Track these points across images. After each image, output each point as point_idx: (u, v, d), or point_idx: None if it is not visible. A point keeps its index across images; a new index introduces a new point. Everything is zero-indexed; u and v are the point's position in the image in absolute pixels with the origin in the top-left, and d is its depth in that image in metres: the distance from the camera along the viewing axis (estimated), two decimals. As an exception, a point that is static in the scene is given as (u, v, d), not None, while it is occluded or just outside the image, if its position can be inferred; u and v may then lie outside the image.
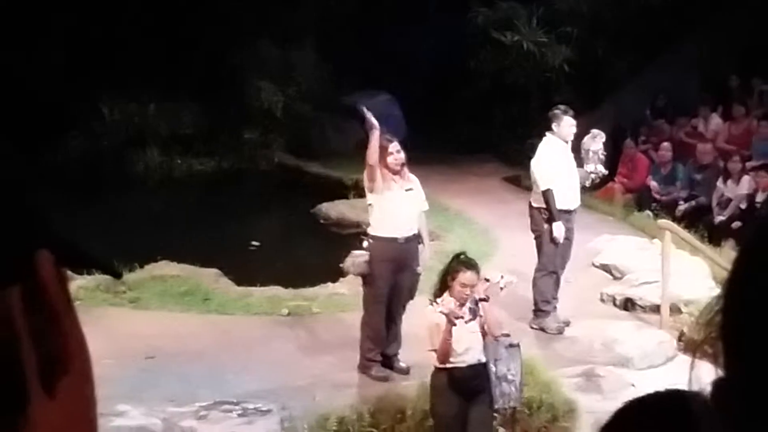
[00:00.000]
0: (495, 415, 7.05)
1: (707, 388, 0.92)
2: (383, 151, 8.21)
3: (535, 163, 9.51)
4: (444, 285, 6.65)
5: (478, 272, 6.63)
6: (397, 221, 8.22)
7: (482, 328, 6.63)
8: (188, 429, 6.94)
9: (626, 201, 14.49)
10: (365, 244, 8.36)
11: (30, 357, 0.76)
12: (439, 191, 12.87)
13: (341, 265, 8.67)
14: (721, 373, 0.91)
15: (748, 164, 13.80)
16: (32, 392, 0.77)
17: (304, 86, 18.97)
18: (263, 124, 18.64)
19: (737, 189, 13.17)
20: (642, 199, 14.37)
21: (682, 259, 10.35)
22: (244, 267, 11.49)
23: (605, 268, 11.28)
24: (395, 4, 19.92)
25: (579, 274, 10.52)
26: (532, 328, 9.42)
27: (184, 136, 18.37)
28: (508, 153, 16.91)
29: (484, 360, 6.68)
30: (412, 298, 8.46)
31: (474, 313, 6.58)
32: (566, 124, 9.45)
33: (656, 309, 9.76)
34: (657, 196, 14.28)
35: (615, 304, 10.33)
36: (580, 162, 9.88)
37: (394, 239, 8.21)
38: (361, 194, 8.78)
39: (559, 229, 9.26)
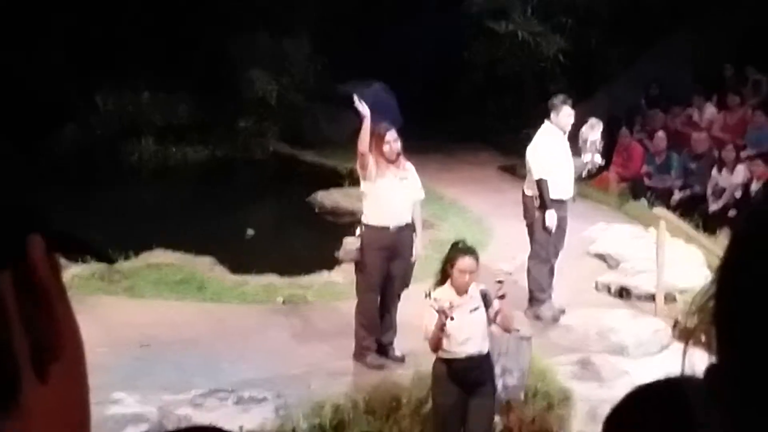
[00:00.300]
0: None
1: (701, 375, 0.92)
2: (379, 140, 8.22)
3: (531, 151, 9.50)
4: (445, 275, 6.66)
5: (476, 258, 6.64)
6: (389, 210, 8.22)
7: (493, 319, 6.64)
8: (183, 417, 6.94)
9: (621, 190, 14.50)
10: (358, 231, 8.37)
11: (22, 342, 0.76)
12: (434, 180, 12.87)
13: (336, 253, 8.68)
14: (713, 359, 0.91)
15: (743, 153, 13.81)
16: (24, 378, 0.77)
17: (298, 76, 18.94)
18: (258, 113, 18.62)
19: (732, 178, 13.18)
20: (637, 188, 14.38)
21: (677, 248, 10.37)
22: (239, 255, 11.48)
23: (600, 256, 11.29)
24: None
25: (574, 262, 10.53)
26: (527, 316, 9.43)
27: (179, 125, 18.35)
28: (503, 142, 16.90)
29: (485, 351, 6.67)
30: (406, 286, 8.47)
31: (480, 303, 6.61)
32: (564, 114, 9.44)
33: (651, 297, 9.78)
34: (650, 183, 14.30)
35: (610, 293, 10.34)
36: (577, 151, 9.87)
37: (386, 228, 8.21)
38: (355, 183, 8.79)
39: (551, 218, 9.26)
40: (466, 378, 6.61)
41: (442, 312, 6.37)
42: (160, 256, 10.88)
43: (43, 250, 0.78)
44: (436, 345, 6.55)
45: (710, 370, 0.91)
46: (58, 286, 0.81)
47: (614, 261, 11.06)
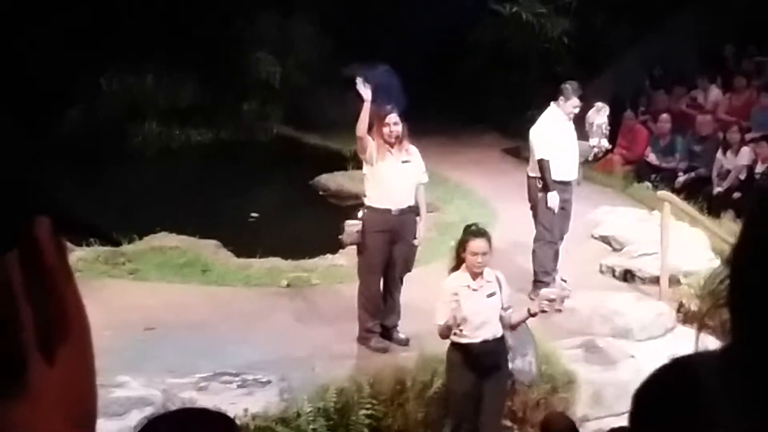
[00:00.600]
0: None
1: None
2: (380, 123, 8.21)
3: (534, 132, 9.50)
4: (459, 259, 6.66)
5: (489, 240, 6.64)
6: (390, 193, 8.20)
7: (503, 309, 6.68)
8: (188, 400, 6.95)
9: (625, 172, 14.49)
10: (360, 213, 8.36)
11: (29, 323, 0.76)
12: (439, 163, 12.85)
13: (340, 237, 8.68)
14: (725, 341, 0.91)
15: (748, 135, 13.78)
16: (31, 358, 0.76)
17: (303, 58, 18.89)
18: (261, 96, 18.58)
19: (736, 160, 13.16)
20: (641, 171, 14.36)
21: (681, 231, 10.36)
22: (243, 238, 11.49)
23: (605, 239, 11.28)
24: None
25: (578, 245, 10.52)
26: (531, 299, 9.42)
27: (183, 107, 18.30)
28: (508, 124, 16.87)
29: (500, 335, 6.68)
30: (409, 270, 8.47)
31: (496, 288, 6.63)
32: (572, 103, 9.42)
33: (656, 280, 9.77)
34: (655, 163, 14.28)
35: (614, 276, 10.34)
36: (583, 135, 9.84)
37: (388, 210, 8.19)
38: (360, 166, 8.77)
39: (553, 199, 9.25)
40: (482, 363, 6.61)
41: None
42: (164, 239, 10.87)
43: (50, 232, 0.78)
44: (446, 333, 6.57)
45: (724, 350, 0.91)
46: (64, 268, 0.81)
47: (619, 244, 11.05)
